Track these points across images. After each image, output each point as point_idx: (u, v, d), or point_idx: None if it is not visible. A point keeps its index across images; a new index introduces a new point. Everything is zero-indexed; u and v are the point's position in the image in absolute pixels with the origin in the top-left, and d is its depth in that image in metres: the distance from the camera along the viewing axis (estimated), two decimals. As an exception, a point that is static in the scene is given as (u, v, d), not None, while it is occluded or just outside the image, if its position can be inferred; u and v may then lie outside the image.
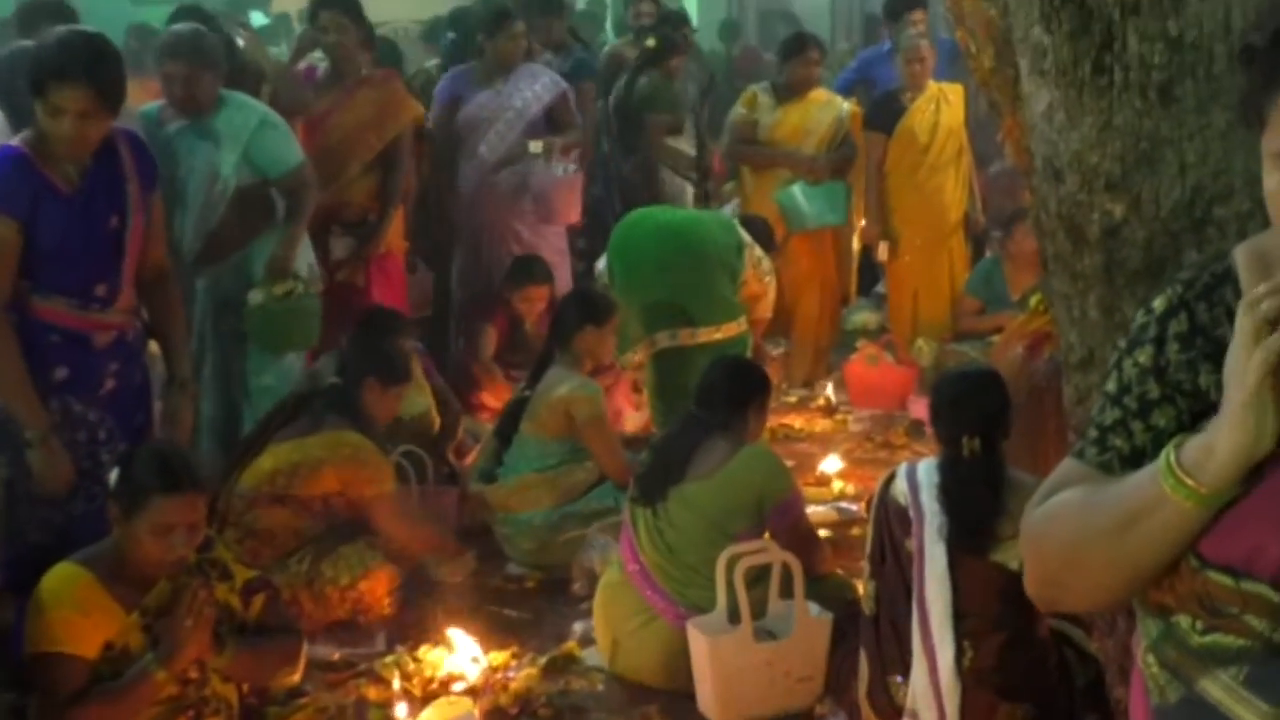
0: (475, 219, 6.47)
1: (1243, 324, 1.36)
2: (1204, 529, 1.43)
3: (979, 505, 3.34)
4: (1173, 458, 1.42)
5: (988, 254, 7.21)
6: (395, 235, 5.88)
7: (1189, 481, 1.40)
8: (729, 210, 6.93)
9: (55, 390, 3.65)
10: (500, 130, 6.40)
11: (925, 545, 3.37)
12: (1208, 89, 2.60)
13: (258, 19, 11.80)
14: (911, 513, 3.42)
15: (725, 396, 4.15)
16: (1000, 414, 3.48)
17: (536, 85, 6.49)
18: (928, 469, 3.47)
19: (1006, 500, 3.33)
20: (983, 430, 3.40)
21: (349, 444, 4.32)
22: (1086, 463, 1.59)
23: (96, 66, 3.47)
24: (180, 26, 4.96)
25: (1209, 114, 2.61)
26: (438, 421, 5.26)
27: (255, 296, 4.78)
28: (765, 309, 5.71)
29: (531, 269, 6.23)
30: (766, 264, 5.60)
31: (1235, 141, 2.64)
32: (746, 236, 5.53)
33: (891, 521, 3.49)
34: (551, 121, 6.51)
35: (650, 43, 7.35)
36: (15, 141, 3.61)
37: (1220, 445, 1.38)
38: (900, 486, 3.48)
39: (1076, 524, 1.53)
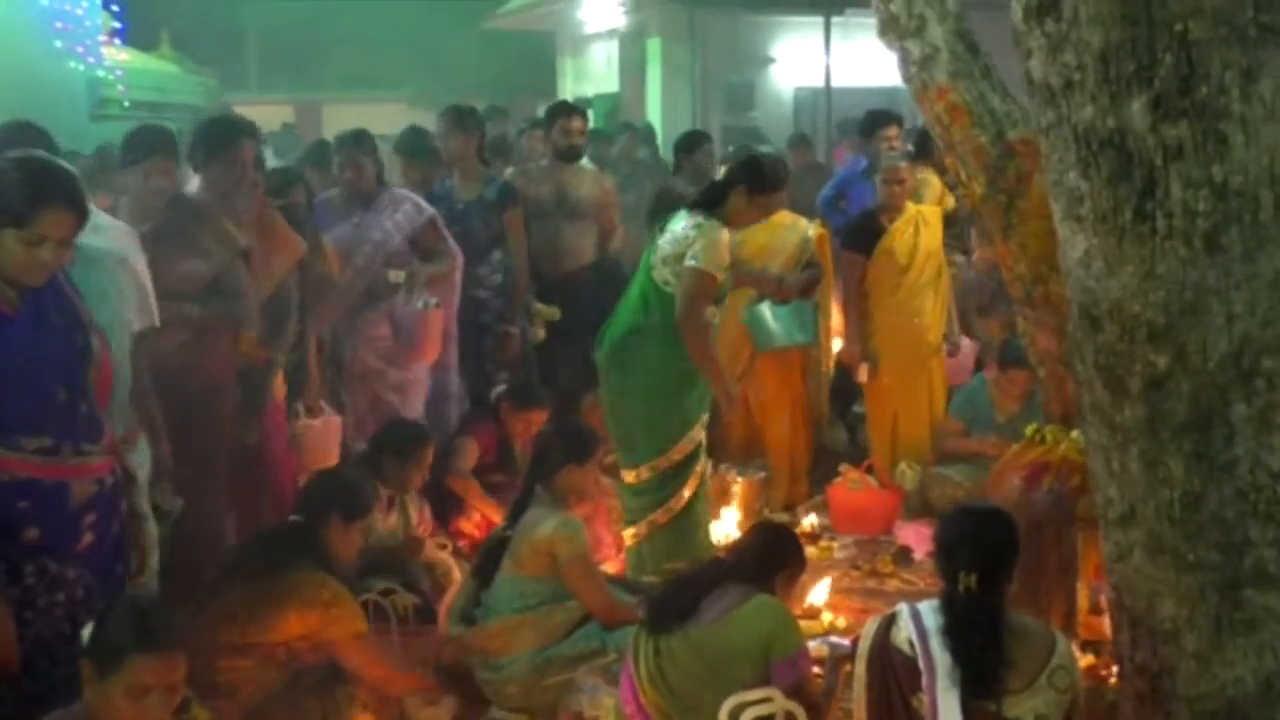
0: (338, 353, 6.11)
1: None
2: None
3: (982, 648, 3.23)
4: None
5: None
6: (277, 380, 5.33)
7: None
8: None
9: (28, 553, 3.32)
10: (358, 265, 6.06)
11: (938, 697, 3.25)
12: (1254, 236, 2.52)
13: None
14: (921, 663, 3.30)
15: (758, 558, 4.06)
16: (1004, 551, 3.36)
17: (397, 214, 6.15)
18: (931, 610, 3.35)
19: (1010, 648, 3.23)
20: (982, 567, 3.28)
21: (313, 585, 4.07)
22: None
23: (76, 191, 3.31)
24: None
25: (1256, 262, 2.53)
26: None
27: None
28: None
29: (532, 393, 6.22)
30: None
31: (1285, 290, 2.55)
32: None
33: (899, 674, 3.36)
34: (419, 250, 6.20)
35: None
36: None
37: None
38: (905, 634, 3.36)
39: None
